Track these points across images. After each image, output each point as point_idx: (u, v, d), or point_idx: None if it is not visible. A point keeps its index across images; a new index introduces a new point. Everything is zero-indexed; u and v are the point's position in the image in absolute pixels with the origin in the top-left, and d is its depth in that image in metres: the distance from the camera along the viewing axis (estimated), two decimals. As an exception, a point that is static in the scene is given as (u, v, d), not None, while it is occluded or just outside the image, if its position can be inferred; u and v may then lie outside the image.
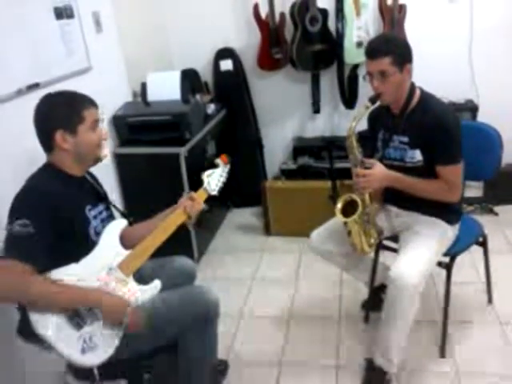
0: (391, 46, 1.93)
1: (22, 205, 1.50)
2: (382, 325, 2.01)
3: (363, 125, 2.17)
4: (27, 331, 1.46)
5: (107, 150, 1.73)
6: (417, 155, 2.01)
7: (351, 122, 1.99)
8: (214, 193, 1.86)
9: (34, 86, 2.08)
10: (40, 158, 2.09)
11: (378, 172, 2.00)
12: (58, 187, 1.57)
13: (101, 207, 1.73)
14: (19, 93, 1.99)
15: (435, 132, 1.93)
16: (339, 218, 2.06)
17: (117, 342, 1.55)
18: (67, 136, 1.58)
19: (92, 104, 1.65)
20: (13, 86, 1.97)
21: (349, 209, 2.06)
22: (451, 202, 2.03)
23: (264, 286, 2.90)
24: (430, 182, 2.00)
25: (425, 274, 1.91)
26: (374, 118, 2.21)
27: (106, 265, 1.60)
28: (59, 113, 1.58)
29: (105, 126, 1.69)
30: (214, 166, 1.93)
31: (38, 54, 2.15)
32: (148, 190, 2.88)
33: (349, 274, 2.46)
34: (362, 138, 2.10)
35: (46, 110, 1.59)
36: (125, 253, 1.65)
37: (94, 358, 1.49)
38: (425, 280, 1.92)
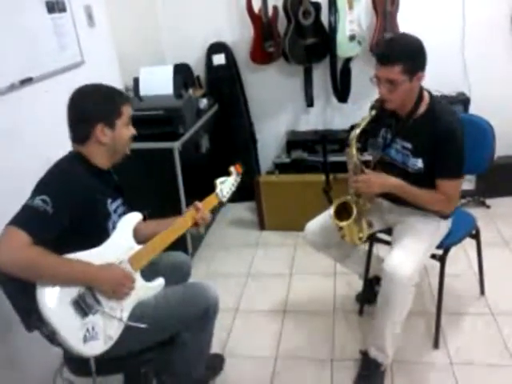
0: (404, 53, 1.82)
1: (49, 183, 1.50)
2: (376, 317, 2.02)
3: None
4: (30, 318, 1.47)
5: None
6: (419, 163, 1.97)
7: (354, 130, 1.95)
8: (225, 200, 1.89)
9: (28, 81, 2.06)
10: (35, 152, 2.09)
11: (377, 179, 1.98)
12: (86, 177, 1.58)
13: (119, 201, 1.74)
14: (12, 87, 1.97)
15: (442, 142, 1.88)
16: (334, 223, 2.04)
17: (118, 335, 1.56)
18: (107, 130, 1.59)
19: (128, 100, 1.68)
20: (5, 81, 1.95)
21: (342, 209, 2.06)
22: (444, 213, 2.05)
23: (258, 281, 2.91)
24: (430, 193, 1.97)
25: (418, 266, 1.93)
26: (377, 115, 2.14)
27: (118, 257, 1.60)
28: (101, 106, 1.60)
29: None
30: (227, 173, 1.95)
31: (30, 48, 2.13)
32: (142, 185, 2.87)
33: (343, 265, 2.47)
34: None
35: (88, 103, 1.60)
36: (137, 247, 1.66)
37: (94, 349, 1.50)
38: (418, 273, 1.93)
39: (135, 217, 1.73)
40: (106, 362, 1.53)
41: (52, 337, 1.46)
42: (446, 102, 1.99)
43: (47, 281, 1.43)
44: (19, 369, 1.98)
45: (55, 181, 1.52)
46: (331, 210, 2.06)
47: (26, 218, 1.42)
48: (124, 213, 1.75)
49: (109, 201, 1.66)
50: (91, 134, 1.59)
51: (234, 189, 1.93)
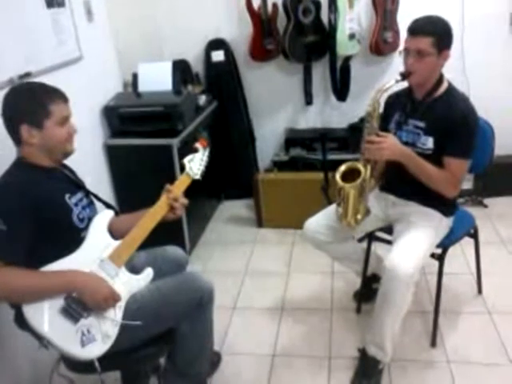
0: (436, 28, 1.92)
1: None
2: (375, 315, 2.02)
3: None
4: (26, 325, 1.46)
5: (75, 144, 1.67)
6: (429, 142, 2.00)
7: (376, 92, 1.97)
8: (197, 177, 1.84)
9: (26, 76, 2.05)
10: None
11: (390, 142, 1.97)
12: (33, 181, 1.54)
13: (80, 195, 1.71)
14: (10, 82, 1.96)
15: (456, 125, 1.92)
16: (338, 182, 2.04)
17: (115, 332, 1.55)
18: (33, 130, 1.53)
19: (61, 98, 1.59)
20: (4, 76, 1.94)
21: (349, 177, 2.05)
22: (447, 196, 2.04)
23: (256, 278, 2.90)
24: (437, 169, 1.98)
25: (419, 265, 1.93)
26: (391, 103, 2.20)
27: (97, 257, 1.59)
28: (24, 106, 1.53)
29: (73, 121, 1.65)
30: (195, 150, 1.91)
31: (28, 43, 2.12)
32: (140, 182, 2.86)
33: (341, 263, 2.46)
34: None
35: (11, 103, 1.55)
36: (115, 243, 1.65)
37: (94, 350, 1.49)
38: (419, 271, 1.93)
39: (106, 214, 1.72)
40: (106, 359, 1.53)
41: (49, 347, 1.46)
42: (463, 92, 2.03)
43: (28, 299, 1.43)
44: (15, 366, 1.97)
45: (0, 198, 1.48)
46: (341, 168, 2.06)
47: None
48: (89, 205, 1.73)
49: (66, 196, 1.63)
50: (20, 136, 1.54)
51: (204, 164, 1.89)
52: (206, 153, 1.92)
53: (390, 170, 2.11)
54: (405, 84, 2.05)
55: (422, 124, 2.03)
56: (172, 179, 2.75)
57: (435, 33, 1.90)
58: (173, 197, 1.73)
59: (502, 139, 2.33)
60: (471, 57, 3.40)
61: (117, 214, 1.77)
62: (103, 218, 1.70)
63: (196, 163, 1.86)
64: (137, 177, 2.88)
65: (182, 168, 1.83)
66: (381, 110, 2.21)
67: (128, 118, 2.80)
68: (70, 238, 1.59)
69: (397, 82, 1.97)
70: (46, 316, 1.43)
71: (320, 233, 2.24)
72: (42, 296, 1.45)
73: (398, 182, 2.09)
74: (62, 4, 2.37)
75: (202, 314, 1.79)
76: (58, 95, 1.58)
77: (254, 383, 2.15)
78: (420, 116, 2.04)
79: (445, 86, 2.02)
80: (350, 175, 2.05)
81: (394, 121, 2.14)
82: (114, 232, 1.70)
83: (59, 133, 1.57)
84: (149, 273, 1.69)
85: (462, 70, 3.43)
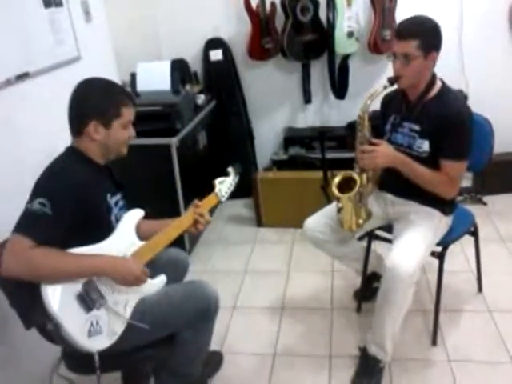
0: (421, 30, 1.89)
1: (46, 185, 1.49)
2: (376, 314, 2.02)
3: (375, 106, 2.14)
4: (31, 315, 1.48)
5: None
6: (425, 145, 1.99)
7: (366, 99, 1.96)
8: (224, 199, 1.90)
9: (24, 76, 2.04)
10: (32, 148, 2.07)
11: (383, 150, 1.97)
12: (83, 173, 1.55)
13: (119, 196, 1.73)
14: (8, 82, 1.95)
15: (451, 125, 1.90)
16: (334, 193, 2.04)
17: (122, 330, 1.56)
18: (100, 127, 1.56)
19: (132, 102, 1.63)
20: (1, 76, 1.93)
21: (345, 185, 2.05)
22: (446, 197, 2.03)
23: (256, 278, 2.90)
24: (433, 173, 1.98)
25: (420, 263, 1.92)
26: (387, 102, 2.19)
27: (121, 252, 1.60)
28: (100, 103, 1.56)
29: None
30: (226, 174, 1.98)
31: (26, 43, 2.11)
32: (139, 182, 2.85)
33: (341, 262, 2.46)
34: (373, 118, 2.06)
35: (87, 96, 1.57)
36: (139, 243, 1.67)
37: (98, 343, 1.50)
38: (419, 270, 1.93)
39: (138, 213, 1.73)
40: (107, 359, 1.53)
41: (56, 332, 1.46)
42: (457, 91, 2.00)
43: (56, 278, 1.44)
44: (15, 367, 1.97)
45: (52, 181, 1.50)
46: (335, 179, 2.05)
47: (27, 224, 1.43)
48: (124, 206, 1.75)
49: (108, 195, 1.65)
50: (84, 129, 1.56)
51: (232, 189, 1.95)
52: (236, 179, 1.99)
53: (387, 169, 2.11)
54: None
55: (416, 127, 2.02)
56: (171, 178, 2.79)
57: (420, 35, 1.87)
58: (199, 212, 1.77)
59: (501, 137, 2.33)
60: (470, 54, 3.41)
61: (146, 216, 1.78)
62: (134, 215, 1.72)
63: (225, 186, 1.92)
64: (135, 176, 2.87)
65: (211, 187, 1.89)
66: (380, 106, 2.23)
67: (126, 117, 2.79)
68: (103, 232, 1.61)
69: (385, 87, 1.96)
70: (61, 298, 1.44)
71: (319, 231, 2.23)
72: (69, 277, 1.46)
73: (396, 181, 2.08)
74: (59, 4, 2.36)
75: (207, 323, 1.80)
76: (130, 98, 1.63)
77: (255, 382, 2.15)
78: (414, 119, 2.02)
79: (438, 86, 2.00)
80: (347, 184, 2.05)
81: (390, 122, 2.13)
82: (139, 233, 1.71)
83: (122, 135, 1.62)
84: (162, 279, 1.71)
85: (460, 68, 3.43)
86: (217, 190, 1.88)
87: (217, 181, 1.91)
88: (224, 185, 1.92)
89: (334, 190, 2.04)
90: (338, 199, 2.06)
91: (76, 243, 1.50)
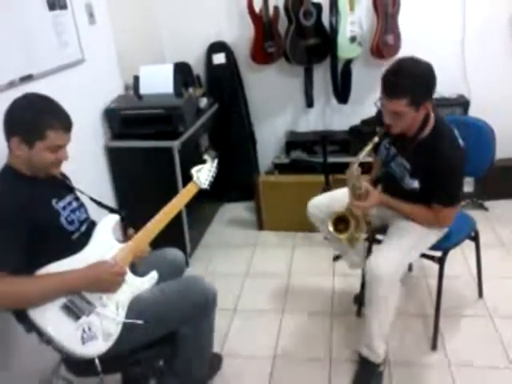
0: (411, 86, 1.76)
1: None
2: (365, 316, 2.05)
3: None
4: (27, 322, 1.47)
5: (61, 168, 1.68)
6: (415, 184, 1.98)
7: (358, 154, 1.93)
8: (205, 187, 1.91)
9: (28, 78, 2.05)
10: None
11: (375, 201, 2.00)
12: (19, 189, 1.53)
13: (69, 198, 1.71)
14: (11, 85, 1.96)
15: (442, 173, 1.88)
16: (331, 231, 2.07)
17: (118, 332, 1.56)
18: (23, 145, 1.51)
19: (63, 127, 1.55)
20: (5, 78, 1.94)
21: (340, 224, 2.09)
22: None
23: (257, 281, 2.90)
24: (424, 213, 2.00)
25: (402, 262, 1.95)
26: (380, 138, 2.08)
27: (100, 258, 1.60)
28: (23, 121, 1.52)
29: (67, 149, 1.63)
30: (203, 161, 1.99)
31: (30, 46, 2.12)
32: (141, 184, 2.87)
33: (336, 249, 2.48)
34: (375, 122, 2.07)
35: (16, 111, 1.54)
36: (119, 246, 1.67)
37: (95, 348, 1.50)
38: (403, 268, 1.95)
39: (109, 220, 1.74)
40: (107, 361, 1.53)
41: (50, 344, 1.47)
42: (450, 128, 1.94)
43: (25, 305, 1.44)
44: (16, 368, 1.97)
45: None
46: (330, 221, 2.07)
47: None
48: (79, 207, 1.74)
49: (53, 200, 1.63)
50: (9, 144, 1.54)
51: (212, 174, 1.96)
52: (214, 164, 1.99)
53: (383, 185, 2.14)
54: None
55: (408, 165, 2.00)
56: (173, 181, 2.80)
57: (409, 92, 1.76)
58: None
59: (502, 142, 2.33)
60: (472, 60, 3.41)
61: (123, 218, 1.78)
62: (109, 221, 1.73)
63: (204, 174, 1.93)
64: (138, 179, 2.88)
65: (190, 178, 1.89)
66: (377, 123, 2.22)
67: (129, 120, 2.80)
68: (61, 240, 1.60)
69: (374, 143, 1.94)
70: (46, 313, 1.44)
71: (320, 210, 2.27)
72: (38, 301, 1.45)
73: (390, 195, 2.09)
74: (64, 6, 2.37)
75: (205, 318, 1.80)
76: (60, 122, 1.55)
77: (255, 386, 2.15)
78: (407, 157, 2.00)
79: (431, 125, 1.93)
80: (342, 221, 2.08)
81: (384, 146, 2.12)
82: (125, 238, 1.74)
83: (46, 157, 1.55)
84: (153, 276, 1.72)
85: (463, 74, 3.44)
86: (195, 178, 1.89)
87: (194, 169, 1.92)
88: (202, 172, 1.93)
89: (330, 229, 2.06)
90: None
91: (43, 259, 1.50)
